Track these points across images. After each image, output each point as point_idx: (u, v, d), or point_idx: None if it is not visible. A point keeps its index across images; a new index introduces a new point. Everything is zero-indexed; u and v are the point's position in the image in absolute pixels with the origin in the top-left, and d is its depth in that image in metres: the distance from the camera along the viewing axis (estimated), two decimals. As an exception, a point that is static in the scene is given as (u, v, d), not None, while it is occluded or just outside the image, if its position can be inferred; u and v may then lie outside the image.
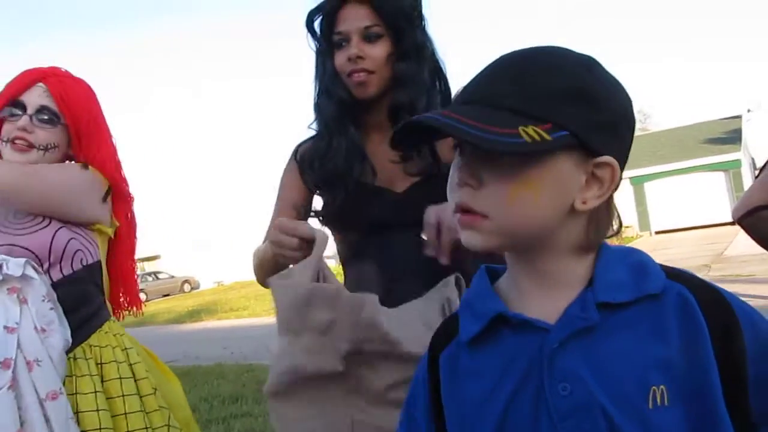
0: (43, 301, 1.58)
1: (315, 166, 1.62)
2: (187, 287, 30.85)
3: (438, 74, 1.64)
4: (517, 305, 0.84)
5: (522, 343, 0.81)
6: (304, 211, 1.66)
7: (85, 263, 1.77)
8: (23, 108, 1.74)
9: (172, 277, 31.01)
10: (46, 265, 1.69)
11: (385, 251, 1.56)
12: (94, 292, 1.81)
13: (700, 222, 23.99)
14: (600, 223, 0.83)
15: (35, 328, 1.54)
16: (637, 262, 0.83)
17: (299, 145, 1.71)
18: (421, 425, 0.93)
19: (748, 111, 29.77)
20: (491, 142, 0.73)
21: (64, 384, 1.61)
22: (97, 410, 1.63)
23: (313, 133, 1.69)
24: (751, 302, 0.85)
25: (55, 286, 1.68)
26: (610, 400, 0.75)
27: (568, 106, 0.76)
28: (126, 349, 1.80)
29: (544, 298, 0.83)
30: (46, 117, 1.75)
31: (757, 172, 1.99)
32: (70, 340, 1.62)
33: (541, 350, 0.79)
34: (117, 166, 1.92)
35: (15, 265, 1.57)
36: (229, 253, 27.26)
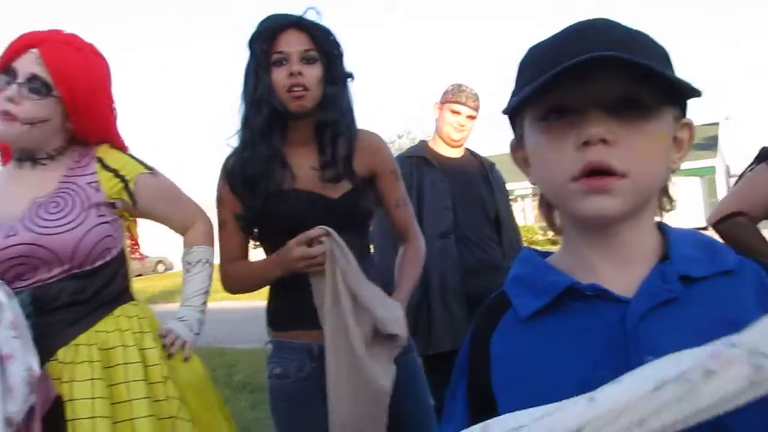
0: (8, 328, 1.47)
1: (239, 174, 1.80)
2: (161, 267, 30.73)
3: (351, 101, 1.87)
4: (586, 279, 0.82)
5: (599, 315, 0.80)
6: (245, 225, 1.86)
7: (109, 257, 1.72)
8: (14, 75, 1.62)
9: (146, 257, 30.75)
10: (66, 266, 1.63)
11: None
12: (113, 280, 1.73)
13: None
14: (668, 192, 0.85)
15: None
16: (705, 240, 0.85)
17: (226, 160, 1.87)
18: (461, 417, 0.89)
19: (726, 119, 30.11)
20: (673, 78, 0.73)
21: (62, 372, 1.56)
22: (92, 398, 1.55)
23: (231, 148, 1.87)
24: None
25: (72, 277, 1.63)
26: None
27: (668, 66, 0.78)
28: (141, 332, 1.72)
29: (617, 271, 0.82)
30: (35, 88, 1.63)
31: (734, 180, 2.03)
32: (37, 370, 1.49)
33: (622, 322, 0.78)
34: (116, 140, 1.84)
35: None
36: (205, 234, 27.38)
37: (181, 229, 1.93)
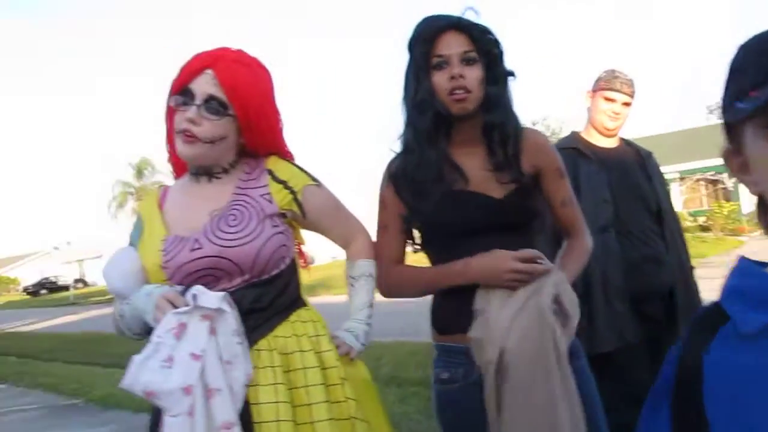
0: (233, 335, 1.57)
1: (408, 177, 1.79)
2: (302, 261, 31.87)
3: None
4: None
5: None
6: (408, 228, 1.86)
7: (283, 266, 1.77)
8: (192, 97, 1.68)
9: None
10: (246, 276, 1.69)
11: (482, 251, 1.71)
12: (287, 287, 1.78)
13: None
14: None
15: (220, 358, 1.54)
16: None
17: (390, 163, 1.87)
18: None
19: None
20: None
21: None
22: (277, 402, 1.60)
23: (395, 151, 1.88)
24: None
25: (251, 286, 1.69)
26: None
27: None
28: (316, 336, 1.75)
29: None
30: (213, 108, 1.68)
31: None
32: (251, 374, 1.59)
33: None
34: (283, 150, 1.88)
35: (213, 299, 1.56)
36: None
37: (342, 242, 1.95)
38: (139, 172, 43.18)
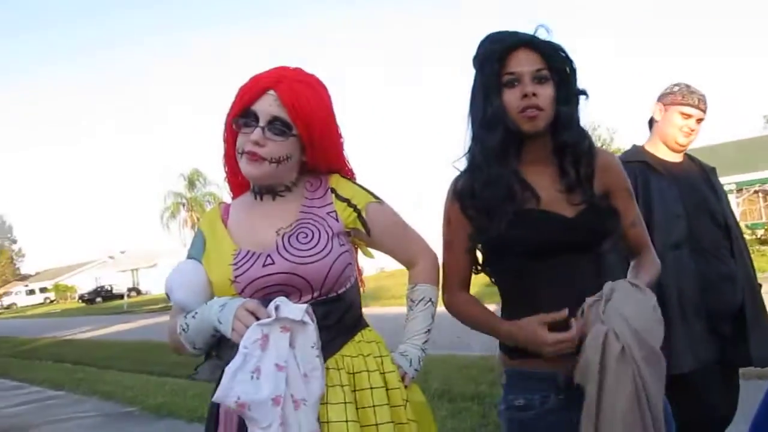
0: (312, 347, 1.56)
1: (476, 196, 1.75)
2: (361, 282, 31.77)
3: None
4: None
5: None
6: (473, 247, 1.81)
7: (349, 284, 1.77)
8: (255, 118, 1.68)
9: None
10: (316, 294, 1.69)
11: (558, 274, 1.70)
12: (351, 306, 1.78)
13: None
14: None
15: (299, 370, 1.54)
16: None
17: (455, 180, 1.84)
18: None
19: None
20: None
21: None
22: (347, 421, 1.60)
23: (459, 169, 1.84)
24: None
25: (319, 303, 1.68)
26: None
27: None
28: (380, 356, 1.75)
29: None
30: (278, 129, 1.68)
31: None
32: (325, 389, 1.58)
33: None
34: (345, 168, 1.89)
35: (296, 310, 1.56)
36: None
37: (406, 262, 1.93)
38: (191, 183, 43.97)
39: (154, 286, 55.57)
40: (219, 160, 1.88)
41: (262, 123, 1.67)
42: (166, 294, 1.75)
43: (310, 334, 1.56)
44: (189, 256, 1.83)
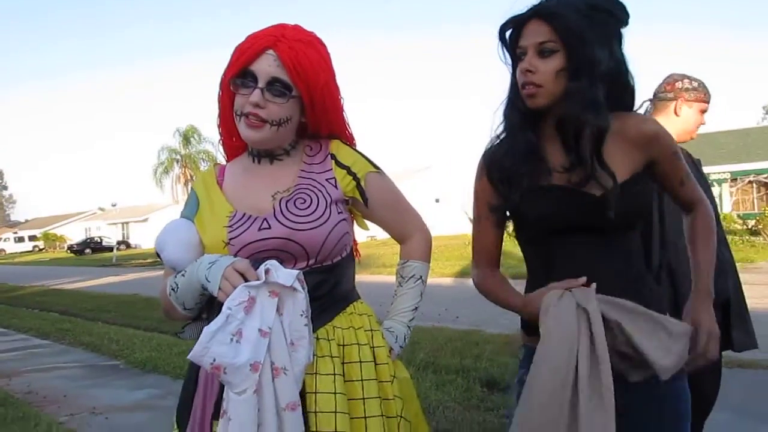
0: (301, 315, 1.50)
1: (497, 166, 1.74)
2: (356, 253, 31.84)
3: (622, 88, 1.69)
4: None
5: None
6: (500, 219, 1.80)
7: (344, 254, 1.74)
8: (254, 79, 1.62)
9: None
10: (311, 261, 1.65)
11: (575, 252, 1.67)
12: (345, 276, 1.75)
13: None
14: None
15: (285, 338, 1.48)
16: None
17: (484, 152, 1.81)
18: None
19: None
20: None
21: None
22: (335, 393, 1.58)
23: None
24: None
25: (313, 272, 1.64)
26: None
27: None
28: (371, 330, 1.73)
29: None
30: (278, 90, 1.62)
31: None
32: (312, 357, 1.54)
33: None
34: (345, 131, 1.84)
35: (287, 276, 1.49)
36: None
37: (399, 236, 1.90)
38: (186, 140, 43.72)
39: (144, 240, 55.63)
40: (213, 121, 1.83)
41: (261, 84, 1.62)
42: (157, 252, 1.71)
43: (300, 301, 1.51)
44: (182, 216, 1.78)
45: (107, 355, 7.70)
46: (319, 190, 1.70)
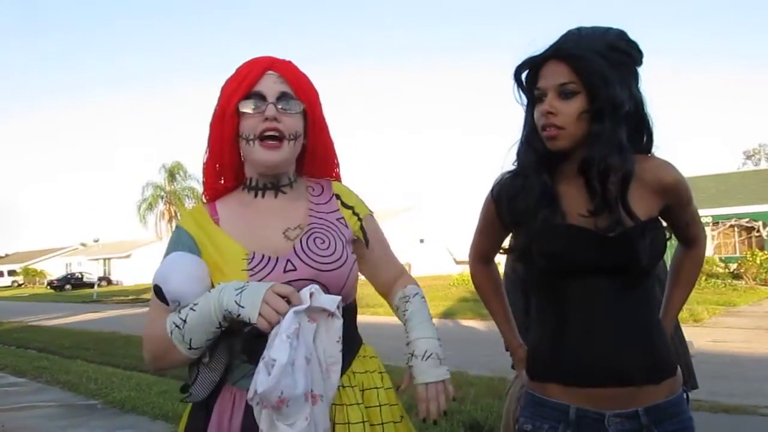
0: (338, 342, 1.47)
1: (509, 204, 1.72)
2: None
3: (641, 129, 1.67)
4: None
5: None
6: (497, 246, 1.87)
7: (355, 294, 1.72)
8: (262, 98, 1.62)
9: None
10: None
11: (579, 295, 1.63)
12: (354, 317, 1.73)
13: None
14: None
15: (320, 364, 1.45)
16: None
17: (497, 182, 1.79)
18: None
19: None
20: None
21: (333, 413, 1.54)
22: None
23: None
24: None
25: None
26: None
27: None
28: (380, 372, 1.71)
29: None
30: (288, 103, 1.63)
31: None
32: (339, 384, 1.52)
33: None
34: (334, 163, 1.85)
35: (330, 301, 1.46)
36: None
37: (388, 279, 1.88)
38: (172, 176, 43.58)
39: (125, 276, 55.07)
40: (199, 167, 1.76)
41: (271, 99, 1.62)
42: (156, 286, 1.53)
43: (337, 327, 1.47)
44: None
45: (85, 395, 7.53)
46: (333, 230, 1.68)
